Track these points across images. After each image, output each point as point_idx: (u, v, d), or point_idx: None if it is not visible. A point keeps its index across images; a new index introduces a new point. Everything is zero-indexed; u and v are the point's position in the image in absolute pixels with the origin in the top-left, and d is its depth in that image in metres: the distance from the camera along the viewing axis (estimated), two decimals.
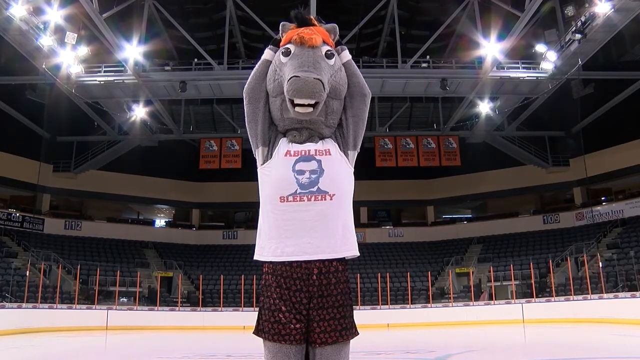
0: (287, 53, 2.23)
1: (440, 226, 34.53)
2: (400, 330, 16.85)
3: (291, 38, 2.26)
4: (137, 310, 23.82)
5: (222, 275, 26.23)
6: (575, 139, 29.35)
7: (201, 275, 27.47)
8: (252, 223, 34.24)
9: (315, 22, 2.35)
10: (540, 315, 21.39)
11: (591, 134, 28.03)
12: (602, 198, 30.98)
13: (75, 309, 22.20)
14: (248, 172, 25.89)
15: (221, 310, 23.76)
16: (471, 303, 24.33)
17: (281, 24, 2.37)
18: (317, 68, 2.17)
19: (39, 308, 20.64)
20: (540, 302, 23.07)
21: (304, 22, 2.31)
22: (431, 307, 24.38)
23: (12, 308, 19.66)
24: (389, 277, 25.06)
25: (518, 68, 22.87)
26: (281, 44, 2.34)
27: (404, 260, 30.68)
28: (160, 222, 36.67)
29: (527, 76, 22.87)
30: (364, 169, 30.37)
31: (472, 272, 27.46)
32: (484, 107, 26.28)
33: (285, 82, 2.16)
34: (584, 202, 31.09)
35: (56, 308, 21.49)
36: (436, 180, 33.94)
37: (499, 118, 27.37)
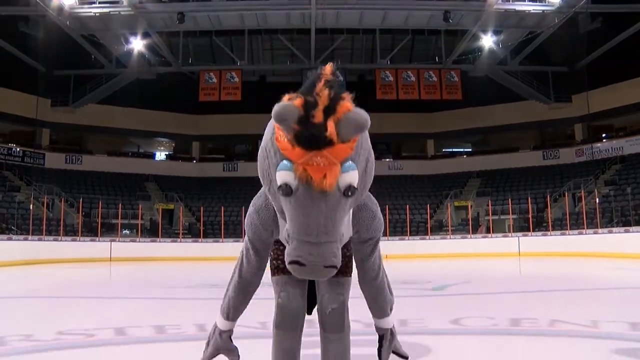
0: (287, 192, 1.61)
1: (440, 159, 34.61)
2: (398, 262, 17.18)
3: (293, 167, 1.59)
4: (139, 242, 24.25)
5: (222, 207, 26.49)
6: (579, 75, 28.95)
7: (202, 207, 27.80)
8: (252, 155, 34.35)
9: (333, 135, 1.54)
10: (536, 249, 21.74)
11: (596, 70, 27.63)
12: (603, 135, 30.89)
13: (79, 241, 22.59)
14: (247, 104, 25.59)
15: (222, 241, 24.14)
16: (469, 236, 24.72)
17: (277, 111, 1.56)
18: (329, 230, 1.63)
19: (44, 240, 20.95)
20: (536, 236, 23.43)
21: (312, 144, 1.55)
22: (429, 239, 24.77)
23: (18, 240, 19.99)
24: (388, 209, 25.26)
25: (524, 0, 22.30)
26: (277, 141, 1.64)
27: (403, 192, 30.88)
28: (160, 155, 36.69)
29: (533, 9, 22.35)
30: (365, 102, 30.14)
31: (471, 206, 27.75)
32: (487, 41, 25.82)
33: (287, 247, 1.71)
34: (585, 138, 31.03)
35: (61, 240, 21.83)
36: (437, 113, 33.75)
37: (502, 52, 26.94)
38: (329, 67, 1.71)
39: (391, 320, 2.42)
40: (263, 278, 2.29)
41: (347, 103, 1.59)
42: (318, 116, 1.54)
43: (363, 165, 1.75)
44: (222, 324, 2.35)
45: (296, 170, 1.58)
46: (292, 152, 1.57)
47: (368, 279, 2.27)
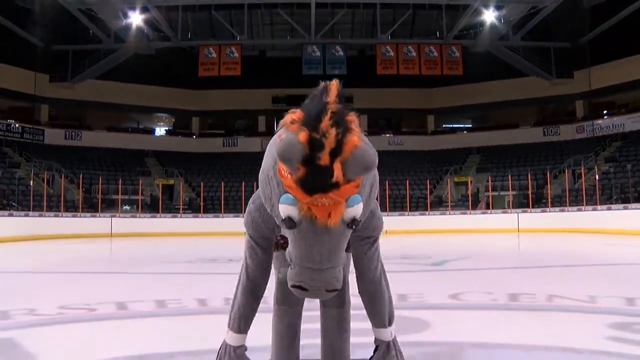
0: (291, 225, 1.59)
1: (440, 135, 34.55)
2: (398, 237, 17.26)
3: (297, 204, 1.57)
4: (139, 217, 24.33)
5: (222, 182, 26.51)
6: (581, 51, 28.70)
7: (202, 183, 27.82)
8: (252, 130, 34.35)
9: (339, 177, 1.51)
10: (535, 225, 21.83)
11: (598, 46, 27.39)
12: (604, 112, 30.73)
13: (80, 217, 22.67)
14: (247, 79, 25.41)
15: (222, 217, 24.22)
16: (468, 212, 24.79)
17: (281, 151, 1.53)
18: (332, 258, 1.64)
19: (45, 216, 21.02)
20: (535, 212, 23.51)
21: (317, 189, 1.52)
22: (429, 214, 24.83)
23: (19, 216, 20.05)
24: (388, 185, 25.30)
25: None
26: (281, 175, 1.63)
27: (403, 168, 30.82)
28: (160, 131, 36.60)
29: None
30: (365, 77, 30.14)
31: (471, 182, 27.77)
32: (489, 16, 25.57)
33: (289, 270, 1.70)
34: (585, 115, 30.91)
35: (62, 216, 21.91)
36: (437, 89, 33.58)
37: (503, 27, 26.68)
38: (334, 91, 1.63)
39: (390, 332, 2.25)
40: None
41: (354, 137, 1.54)
42: (324, 159, 1.49)
43: (367, 192, 1.75)
44: (234, 339, 2.18)
45: (300, 209, 1.56)
46: (296, 191, 1.54)
47: (365, 279, 2.17)
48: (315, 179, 1.50)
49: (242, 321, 2.16)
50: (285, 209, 1.58)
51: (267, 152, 1.86)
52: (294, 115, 1.63)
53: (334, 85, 1.65)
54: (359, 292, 2.21)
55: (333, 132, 1.51)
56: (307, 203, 1.53)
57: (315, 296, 1.68)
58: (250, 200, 2.12)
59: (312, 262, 1.61)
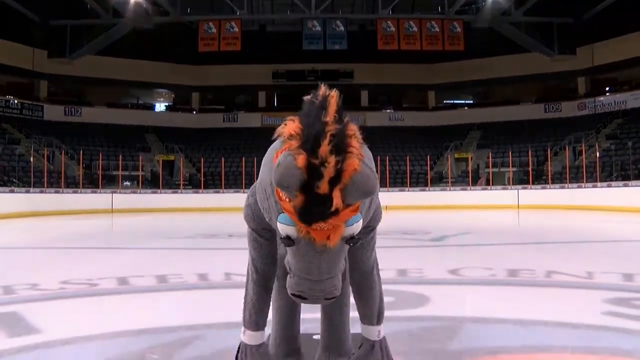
0: (289, 244, 1.58)
1: (441, 111, 34.40)
2: (398, 213, 17.30)
3: (296, 226, 1.54)
4: (140, 193, 24.36)
5: (222, 158, 26.53)
6: (584, 27, 28.38)
7: (202, 158, 27.82)
8: (252, 106, 34.24)
9: (339, 205, 1.47)
10: (535, 202, 21.87)
11: (601, 22, 27.05)
12: (606, 88, 30.52)
13: (81, 193, 22.72)
14: (247, 54, 25.18)
15: (222, 192, 24.27)
16: (468, 188, 24.80)
17: (279, 179, 1.46)
18: (331, 270, 1.63)
19: (46, 192, 21.07)
20: (535, 189, 23.53)
21: (316, 219, 1.49)
22: (429, 190, 24.87)
23: (20, 193, 20.10)
24: (388, 160, 25.30)
25: None
26: (279, 197, 1.58)
27: (404, 144, 30.80)
28: (160, 106, 36.48)
29: None
30: (366, 52, 29.93)
31: (471, 158, 27.76)
32: None
33: (288, 278, 1.69)
34: (588, 91, 30.72)
35: (62, 192, 21.96)
36: (439, 64, 33.29)
37: (506, 2, 26.38)
38: (333, 106, 1.55)
39: (377, 332, 2.16)
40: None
41: (354, 161, 1.48)
42: (323, 188, 1.44)
43: (367, 206, 1.72)
44: (253, 338, 2.10)
45: (299, 231, 1.52)
46: (294, 216, 1.50)
47: (356, 267, 2.11)
48: (314, 207, 1.46)
49: (259, 317, 2.11)
50: (283, 228, 1.56)
51: (264, 165, 1.80)
52: (291, 127, 1.56)
53: (333, 98, 1.58)
54: (350, 283, 2.16)
55: (333, 160, 1.45)
56: (305, 227, 1.50)
57: (314, 303, 1.66)
58: (249, 193, 2.08)
59: (311, 274, 1.59)
